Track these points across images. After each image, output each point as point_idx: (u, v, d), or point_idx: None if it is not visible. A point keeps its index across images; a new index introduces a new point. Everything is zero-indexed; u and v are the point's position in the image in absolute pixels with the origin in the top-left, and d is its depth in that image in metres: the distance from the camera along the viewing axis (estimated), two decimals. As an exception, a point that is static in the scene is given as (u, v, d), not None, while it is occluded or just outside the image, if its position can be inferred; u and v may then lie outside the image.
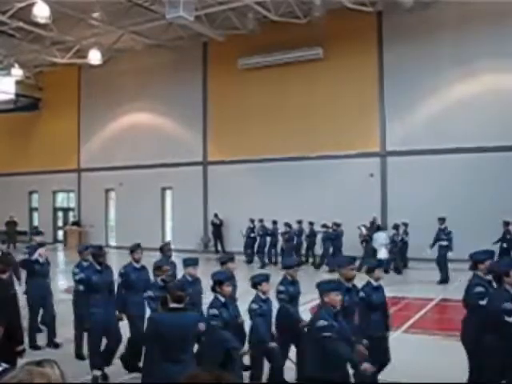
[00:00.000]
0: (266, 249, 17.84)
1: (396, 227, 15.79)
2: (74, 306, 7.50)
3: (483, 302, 5.17)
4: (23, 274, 8.50)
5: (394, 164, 18.13)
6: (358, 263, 15.57)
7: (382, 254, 14.77)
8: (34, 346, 7.55)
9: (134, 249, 7.09)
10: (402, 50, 17.80)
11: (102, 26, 18.99)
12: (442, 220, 14.05)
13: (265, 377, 5.81)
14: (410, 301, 11.43)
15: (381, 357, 5.48)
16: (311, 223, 17.25)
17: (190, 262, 6.52)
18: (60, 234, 26.13)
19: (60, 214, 26.79)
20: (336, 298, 4.61)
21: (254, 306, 5.59)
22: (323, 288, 4.73)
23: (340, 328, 4.49)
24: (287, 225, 17.23)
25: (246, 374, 5.72)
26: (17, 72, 23.02)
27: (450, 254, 13.55)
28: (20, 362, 4.61)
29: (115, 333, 6.54)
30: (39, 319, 8.10)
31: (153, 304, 6.00)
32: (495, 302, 4.90)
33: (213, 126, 21.60)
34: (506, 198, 15.73)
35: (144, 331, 5.04)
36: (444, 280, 13.44)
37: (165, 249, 7.84)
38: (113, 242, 24.08)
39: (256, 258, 17.84)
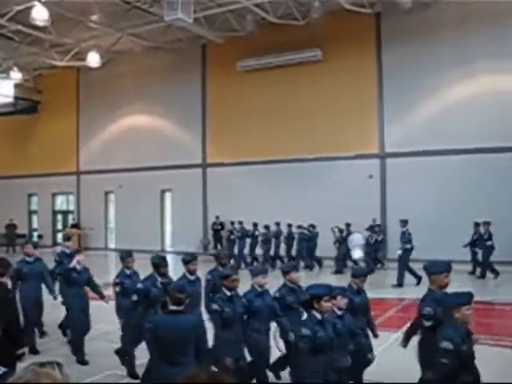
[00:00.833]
0: (246, 251, 17.60)
1: (371, 228, 16.25)
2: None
3: None
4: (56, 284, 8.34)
5: (394, 165, 18.13)
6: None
7: (357, 254, 14.92)
8: (81, 361, 7.05)
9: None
10: (401, 51, 17.80)
11: (101, 29, 19.00)
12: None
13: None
14: (409, 301, 11.41)
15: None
16: (289, 225, 17.31)
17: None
18: (59, 236, 26.08)
19: (59, 216, 26.77)
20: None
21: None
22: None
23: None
24: (265, 227, 17.25)
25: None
26: (16, 75, 23.01)
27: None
28: (19, 365, 4.59)
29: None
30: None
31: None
32: None
33: (212, 128, 21.60)
34: (506, 198, 15.74)
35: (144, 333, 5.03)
36: (400, 284, 13.33)
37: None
38: (112, 245, 24.08)
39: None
